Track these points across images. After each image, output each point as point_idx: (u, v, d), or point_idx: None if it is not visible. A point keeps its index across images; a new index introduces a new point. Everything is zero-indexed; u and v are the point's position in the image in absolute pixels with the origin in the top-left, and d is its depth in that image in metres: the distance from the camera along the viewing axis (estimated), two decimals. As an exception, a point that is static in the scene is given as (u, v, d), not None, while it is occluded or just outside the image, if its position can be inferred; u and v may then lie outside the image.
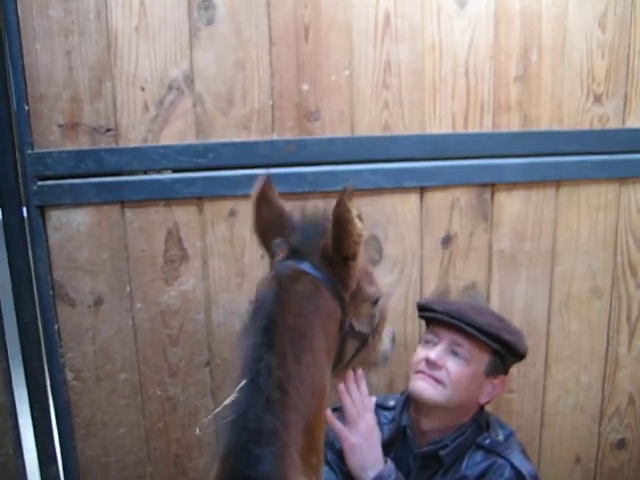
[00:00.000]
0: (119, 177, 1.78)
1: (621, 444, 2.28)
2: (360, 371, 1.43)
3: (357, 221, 1.15)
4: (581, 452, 2.27)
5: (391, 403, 1.70)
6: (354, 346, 1.31)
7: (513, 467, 1.46)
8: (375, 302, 1.32)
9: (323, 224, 1.24)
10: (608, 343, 2.19)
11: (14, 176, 1.77)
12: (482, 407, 1.62)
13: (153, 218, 1.81)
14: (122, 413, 1.93)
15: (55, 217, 1.78)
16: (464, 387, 1.52)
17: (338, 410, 1.51)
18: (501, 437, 1.56)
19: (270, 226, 1.29)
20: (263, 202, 1.31)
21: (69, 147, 1.75)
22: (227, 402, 1.28)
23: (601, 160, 2.02)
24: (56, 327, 1.84)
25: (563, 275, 2.09)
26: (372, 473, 1.40)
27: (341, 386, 1.42)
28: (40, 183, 1.75)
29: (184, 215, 1.82)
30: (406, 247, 1.95)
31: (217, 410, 1.47)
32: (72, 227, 1.79)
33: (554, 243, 2.06)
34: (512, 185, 1.97)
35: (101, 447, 1.95)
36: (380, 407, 1.68)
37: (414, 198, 1.92)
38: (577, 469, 2.28)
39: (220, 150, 1.79)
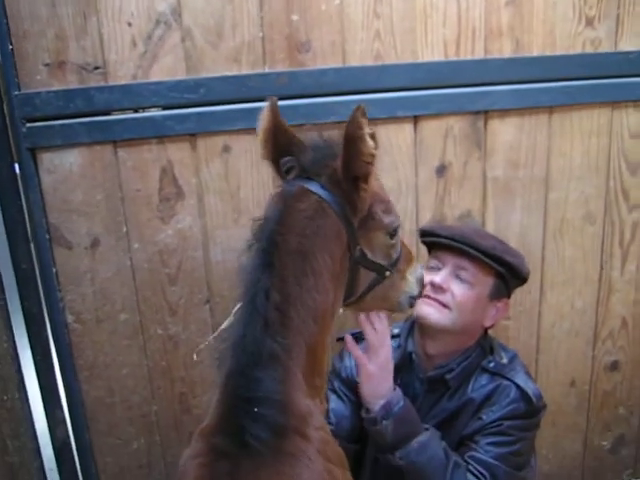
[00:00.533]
0: (110, 116, 1.92)
1: (614, 366, 2.55)
2: (375, 314, 1.48)
3: (369, 139, 1.20)
4: (576, 375, 2.53)
5: (395, 331, 1.87)
6: (369, 278, 1.37)
7: (518, 387, 1.64)
8: (392, 233, 1.38)
9: (336, 146, 1.32)
10: (601, 268, 2.42)
11: (2, 119, 1.89)
12: (486, 331, 1.82)
13: (146, 156, 1.96)
14: (124, 353, 2.13)
15: (47, 159, 1.92)
16: (469, 310, 1.65)
17: (357, 336, 1.62)
18: (505, 360, 1.75)
19: (280, 150, 1.34)
20: (272, 126, 1.35)
21: (57, 87, 1.87)
22: (224, 326, 1.45)
23: (593, 84, 2.19)
24: (54, 270, 2.01)
25: (557, 201, 2.29)
26: (382, 401, 1.50)
27: (362, 315, 1.47)
28: (29, 125, 1.87)
29: (177, 152, 1.98)
30: (401, 177, 2.13)
31: (214, 334, 1.67)
32: (65, 169, 1.94)
33: (547, 170, 2.25)
34: (505, 112, 2.15)
35: (105, 388, 2.15)
36: None
37: (408, 128, 2.09)
38: (572, 392, 2.54)
39: (211, 85, 1.93)
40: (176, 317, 2.11)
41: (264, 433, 1.14)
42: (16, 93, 1.84)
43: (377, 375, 1.48)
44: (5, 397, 2.04)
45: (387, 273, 1.39)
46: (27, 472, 2.15)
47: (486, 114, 2.14)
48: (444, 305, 1.65)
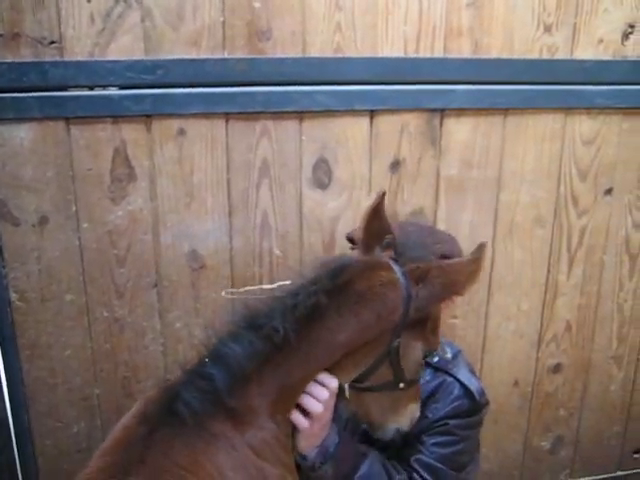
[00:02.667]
0: (64, 92, 1.92)
1: (557, 369, 2.64)
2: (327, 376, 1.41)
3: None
4: (519, 376, 2.61)
5: None
6: (385, 377, 1.43)
7: (462, 384, 1.70)
8: (427, 354, 1.50)
9: (430, 251, 1.50)
10: (548, 271, 2.50)
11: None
12: None
13: (99, 135, 1.97)
14: (68, 335, 2.12)
15: (-4, 132, 1.92)
16: None
17: None
18: (449, 355, 1.80)
19: (376, 233, 1.50)
20: (376, 213, 1.52)
21: (10, 59, 1.86)
22: (266, 286, 1.50)
23: (548, 90, 2.27)
24: (-1, 247, 2.00)
25: (508, 203, 2.37)
26: (317, 447, 1.49)
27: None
28: (-20, 96, 1.87)
29: (132, 133, 1.99)
30: (355, 171, 2.18)
31: (250, 288, 1.84)
32: (15, 143, 1.93)
33: (500, 171, 2.32)
34: (461, 111, 2.21)
35: (47, 369, 2.14)
36: None
37: (364, 121, 2.14)
38: (515, 392, 2.62)
39: (169, 67, 1.94)
40: (123, 300, 2.12)
41: (198, 404, 1.19)
42: (-33, 63, 1.83)
43: (316, 434, 1.47)
44: (-58, 373, 2.03)
45: (402, 385, 1.45)
46: (-38, 450, 2.14)
47: (442, 112, 2.19)
48: None
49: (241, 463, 1.23)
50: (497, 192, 2.34)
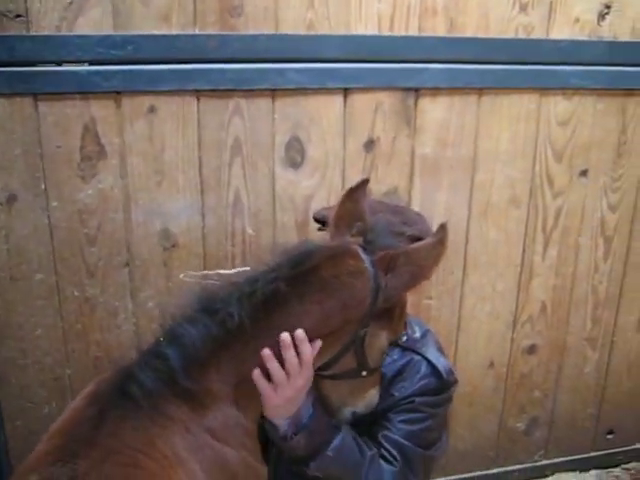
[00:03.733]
0: (32, 67, 1.89)
1: (532, 350, 2.66)
2: (301, 332, 1.32)
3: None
4: (495, 357, 2.63)
5: None
6: (349, 365, 1.42)
7: (429, 363, 1.68)
8: (392, 342, 1.49)
9: (400, 237, 1.47)
10: (524, 252, 2.51)
11: None
12: None
13: (69, 112, 1.95)
14: (39, 314, 2.11)
15: (-37, 108, 1.89)
16: None
17: None
18: (417, 334, 1.80)
19: (349, 219, 1.49)
20: (352, 198, 1.51)
21: (-24, 33, 1.84)
22: (223, 272, 1.47)
23: (524, 70, 2.27)
24: (-34, 225, 1.98)
25: (483, 183, 2.37)
26: (289, 419, 1.43)
27: (266, 351, 1.32)
28: (-55, 71, 1.84)
29: (101, 110, 1.97)
30: (328, 150, 2.17)
31: (208, 272, 1.84)
32: (-19, 119, 1.91)
33: (475, 151, 2.33)
34: (436, 91, 2.21)
35: (18, 349, 2.13)
36: None
37: (337, 100, 2.13)
38: (490, 373, 2.64)
39: (139, 43, 1.92)
40: (94, 279, 2.11)
41: (151, 384, 1.18)
42: None
43: (283, 405, 1.39)
44: None
45: (364, 373, 1.45)
46: None
47: (417, 91, 2.19)
48: None
49: (197, 445, 1.22)
50: (472, 172, 2.34)
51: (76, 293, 2.11)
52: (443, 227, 1.38)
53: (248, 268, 1.36)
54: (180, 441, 1.19)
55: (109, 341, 2.18)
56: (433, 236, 1.39)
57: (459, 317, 2.52)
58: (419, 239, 1.58)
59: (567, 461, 2.89)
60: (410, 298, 2.26)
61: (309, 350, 1.33)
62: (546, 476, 2.88)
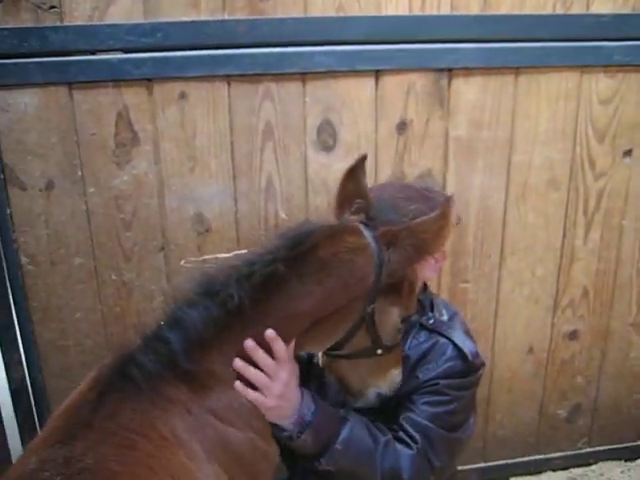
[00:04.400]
0: (66, 57, 1.94)
1: (573, 335, 2.59)
2: (271, 332, 1.32)
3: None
4: (534, 343, 2.57)
5: None
6: (363, 343, 1.41)
7: (455, 345, 1.66)
8: (404, 318, 1.47)
9: (404, 213, 1.46)
10: (564, 235, 2.44)
11: (-43, 55, 1.91)
12: (425, 286, 1.85)
13: (102, 100, 1.99)
14: (78, 298, 2.17)
15: (1, 98, 1.95)
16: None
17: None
18: (445, 317, 1.77)
19: (351, 198, 1.50)
20: (352, 177, 1.52)
21: (11, 24, 1.89)
22: (222, 255, 1.47)
23: (563, 47, 2.19)
24: (8, 211, 2.04)
25: (520, 165, 2.31)
26: (292, 417, 1.43)
27: (237, 361, 1.33)
28: (-17, 62, 1.90)
29: (134, 97, 2.00)
30: (360, 132, 2.15)
31: (209, 257, 1.85)
32: (19, 109, 1.96)
33: (512, 132, 2.27)
34: (470, 71, 2.16)
35: (58, 331, 2.20)
36: None
37: (369, 82, 2.11)
38: (529, 359, 2.59)
39: (169, 30, 1.94)
40: (130, 263, 2.15)
41: (152, 366, 1.19)
42: (-31, 29, 1.86)
43: (276, 404, 1.38)
44: (-43, 334, 2.10)
45: (379, 351, 1.43)
46: (-19, 410, 2.22)
47: (450, 72, 2.15)
48: None
49: (198, 426, 1.22)
50: (509, 154, 2.29)
51: (114, 277, 2.16)
52: (447, 201, 1.35)
53: (245, 251, 1.36)
54: (180, 422, 1.20)
55: (146, 324, 2.22)
56: (437, 210, 1.35)
57: (497, 301, 2.47)
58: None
59: (612, 449, 2.81)
60: (445, 281, 2.27)
61: (282, 347, 1.34)
62: (590, 464, 2.81)
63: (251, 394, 1.35)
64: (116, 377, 1.21)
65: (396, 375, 1.55)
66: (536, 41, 2.17)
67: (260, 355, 1.33)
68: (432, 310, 1.77)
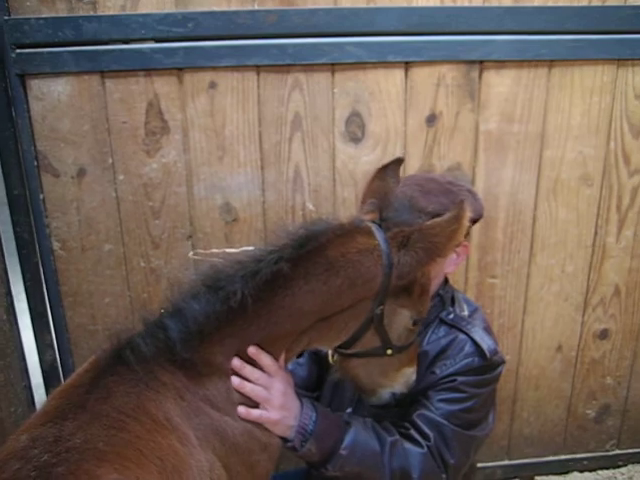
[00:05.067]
0: (99, 46, 1.97)
1: (604, 334, 2.54)
2: (253, 348, 1.34)
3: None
4: (563, 341, 2.53)
5: None
6: (371, 343, 1.40)
7: (474, 342, 1.63)
8: (416, 320, 1.43)
9: (417, 214, 1.44)
10: (596, 233, 2.40)
11: (-5, 43, 1.96)
12: (446, 281, 1.83)
13: (133, 89, 2.02)
14: (107, 283, 2.21)
15: (35, 86, 1.99)
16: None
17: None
18: (466, 312, 1.74)
19: (371, 196, 1.49)
20: (381, 176, 1.50)
21: (46, 14, 1.93)
22: (230, 250, 1.47)
23: (598, 40, 2.15)
24: (41, 197, 2.09)
25: (552, 160, 2.28)
26: (294, 427, 1.42)
27: (234, 380, 1.34)
28: (19, 51, 1.94)
29: (164, 86, 2.02)
30: (389, 124, 2.14)
31: (216, 251, 1.81)
32: (53, 97, 2.00)
33: (544, 126, 2.23)
34: (502, 63, 2.13)
35: (88, 315, 2.24)
36: None
37: (398, 73, 2.09)
38: (558, 357, 2.55)
39: (200, 19, 1.96)
40: (159, 250, 2.18)
41: (147, 351, 1.20)
42: (6, 18, 1.90)
43: (281, 416, 1.39)
44: (-9, 316, 2.15)
45: (389, 351, 1.42)
46: (13, 391, 2.27)
47: (481, 64, 2.12)
48: None
49: (191, 412, 1.23)
50: (540, 148, 2.25)
51: (142, 264, 2.20)
52: (461, 203, 1.31)
53: (252, 247, 1.36)
54: (174, 407, 1.21)
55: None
56: (450, 213, 1.32)
57: (525, 298, 2.44)
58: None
59: (642, 452, 2.76)
60: (473, 276, 2.25)
61: (269, 360, 1.36)
62: (619, 467, 2.77)
63: (254, 413, 1.35)
64: (112, 360, 1.23)
65: (410, 374, 1.52)
66: (570, 33, 2.13)
67: (249, 370, 1.34)
68: (453, 305, 1.75)
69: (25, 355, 2.29)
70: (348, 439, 1.46)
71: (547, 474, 2.70)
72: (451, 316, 1.70)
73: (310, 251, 1.30)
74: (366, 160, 2.16)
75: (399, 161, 1.52)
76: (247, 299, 1.24)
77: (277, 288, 1.28)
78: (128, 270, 2.20)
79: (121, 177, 2.09)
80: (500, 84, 2.15)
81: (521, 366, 2.51)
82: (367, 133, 2.14)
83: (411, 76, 2.10)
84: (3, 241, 2.15)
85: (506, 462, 2.66)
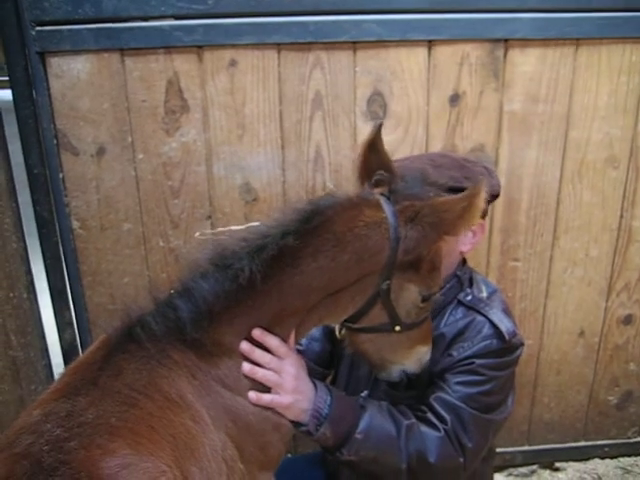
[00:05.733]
0: (118, 24, 1.96)
1: (628, 320, 2.50)
2: (258, 330, 1.31)
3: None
4: (585, 326, 2.50)
5: None
6: (379, 318, 1.36)
7: (492, 324, 1.59)
8: (425, 297, 1.38)
9: (429, 188, 1.40)
10: (621, 216, 2.35)
11: (16, 22, 1.95)
12: (464, 262, 1.78)
13: (153, 67, 2.00)
14: (126, 262, 2.22)
15: (55, 64, 1.98)
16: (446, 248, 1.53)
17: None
18: (484, 294, 1.69)
19: (370, 169, 1.43)
20: (372, 148, 1.44)
21: (67, -9, 1.92)
22: (236, 227, 1.45)
23: (627, 17, 2.09)
24: (61, 176, 2.09)
25: (578, 141, 2.23)
26: (309, 411, 1.40)
27: (245, 366, 1.31)
28: (38, 29, 1.93)
29: (184, 64, 2.01)
30: (411, 104, 2.11)
31: (221, 229, 1.78)
32: (73, 75, 2.00)
33: (570, 106, 2.18)
34: (527, 42, 2.08)
35: (107, 295, 2.25)
36: None
37: (421, 52, 2.06)
38: (580, 342, 2.52)
39: (220, -4, 1.94)
40: (178, 230, 2.18)
41: (158, 329, 1.19)
42: (26, -5, 1.89)
43: (293, 400, 1.36)
44: (12, 294, 2.17)
45: (397, 328, 1.38)
46: (33, 369, 2.30)
47: (506, 43, 2.08)
48: None
49: (203, 391, 1.22)
50: (565, 129, 2.21)
51: (161, 243, 2.19)
52: (479, 184, 1.25)
53: (258, 223, 1.33)
54: (186, 385, 1.20)
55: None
56: (466, 191, 1.27)
57: (548, 281, 2.41)
58: (458, 190, 1.46)
59: (665, 440, 2.73)
60: (495, 259, 2.22)
61: (275, 341, 1.32)
62: (640, 454, 2.73)
63: (265, 398, 1.32)
64: (124, 338, 1.22)
65: (423, 353, 1.48)
66: (598, 11, 2.08)
67: (259, 354, 1.31)
68: (471, 286, 1.69)
69: (45, 333, 2.30)
70: (363, 423, 1.43)
71: (567, 460, 2.68)
72: (469, 297, 1.64)
73: (317, 226, 1.27)
74: (388, 140, 2.06)
75: (380, 127, 1.44)
76: (256, 276, 1.22)
77: (285, 266, 1.26)
78: (147, 250, 2.20)
79: (140, 156, 2.09)
80: (525, 63, 2.11)
81: (542, 351, 2.48)
82: (389, 113, 2.11)
83: (434, 55, 2.07)
84: (23, 220, 2.16)
85: (526, 447, 2.64)
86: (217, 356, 1.26)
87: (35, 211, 2.18)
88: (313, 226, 1.27)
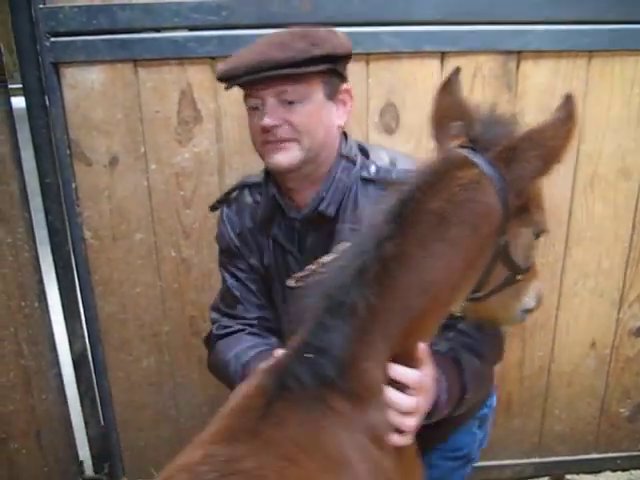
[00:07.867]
0: (132, 34, 1.96)
1: (639, 332, 2.50)
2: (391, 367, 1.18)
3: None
4: (597, 337, 2.48)
5: (251, 180, 1.74)
6: (502, 276, 1.25)
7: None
8: (538, 234, 1.29)
9: (509, 123, 1.23)
10: (634, 227, 2.34)
11: (30, 33, 1.96)
12: (345, 135, 1.63)
13: (166, 77, 2.01)
14: (138, 272, 2.22)
15: (69, 74, 1.99)
16: (316, 125, 1.47)
17: None
18: (386, 159, 1.55)
19: (448, 117, 1.29)
20: (446, 92, 1.33)
21: (80, 2, 1.93)
22: (326, 259, 1.39)
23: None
24: (73, 186, 2.10)
25: (590, 153, 2.22)
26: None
27: (387, 391, 1.18)
28: (53, 39, 1.95)
29: (197, 75, 2.02)
30: (424, 116, 2.10)
31: (312, 267, 1.58)
32: (86, 85, 2.01)
33: (582, 118, 2.18)
34: (540, 53, 2.08)
35: (119, 305, 2.25)
36: (250, 187, 1.73)
37: (434, 64, 2.06)
38: (591, 354, 2.50)
39: (234, 8, 1.94)
40: (189, 240, 2.18)
41: (307, 378, 1.10)
42: (40, 6, 1.91)
43: (426, 409, 1.28)
44: (23, 303, 2.17)
45: (519, 277, 1.28)
46: (44, 378, 2.30)
47: (519, 54, 2.08)
48: (289, 140, 1.46)
49: (362, 445, 1.10)
50: (578, 141, 2.20)
51: (173, 253, 2.20)
52: (569, 98, 1.15)
53: (348, 243, 1.24)
54: (347, 439, 1.08)
55: (204, 301, 2.25)
56: (558, 111, 1.16)
57: (559, 292, 2.39)
58: (309, 60, 1.42)
59: (676, 453, 2.71)
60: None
61: (407, 371, 1.19)
62: (652, 467, 2.71)
63: (408, 422, 1.19)
64: (281, 387, 1.11)
65: (540, 286, 1.40)
66: (611, 23, 2.07)
67: (400, 372, 1.17)
68: (368, 158, 1.58)
69: (56, 343, 2.31)
70: (468, 383, 1.40)
71: (578, 473, 2.66)
72: (372, 170, 1.53)
73: (409, 215, 1.13)
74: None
75: (458, 71, 1.37)
76: (370, 300, 1.10)
77: (393, 271, 1.12)
78: (159, 260, 2.20)
79: (153, 166, 2.09)
80: (538, 75, 2.11)
81: (553, 362, 2.47)
82: (401, 124, 2.11)
83: (447, 66, 2.07)
84: (35, 229, 2.16)
85: (537, 459, 2.62)
86: (367, 399, 1.14)
87: (47, 220, 2.19)
88: (405, 217, 1.13)
